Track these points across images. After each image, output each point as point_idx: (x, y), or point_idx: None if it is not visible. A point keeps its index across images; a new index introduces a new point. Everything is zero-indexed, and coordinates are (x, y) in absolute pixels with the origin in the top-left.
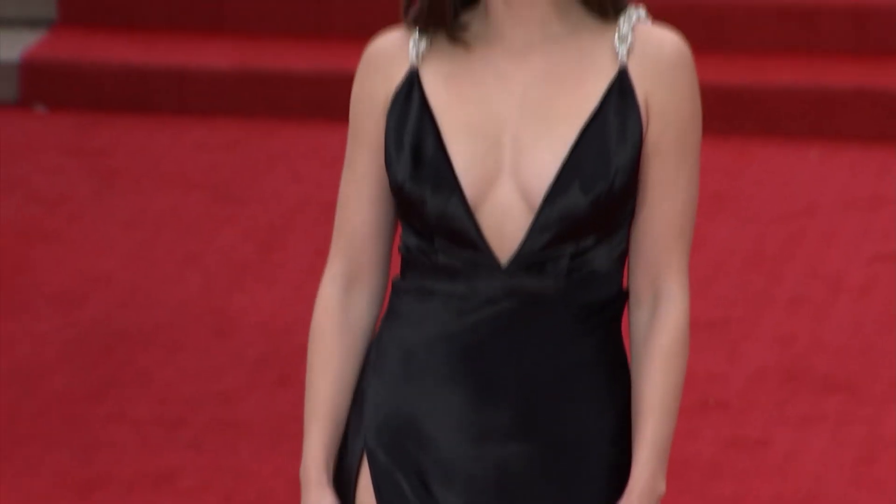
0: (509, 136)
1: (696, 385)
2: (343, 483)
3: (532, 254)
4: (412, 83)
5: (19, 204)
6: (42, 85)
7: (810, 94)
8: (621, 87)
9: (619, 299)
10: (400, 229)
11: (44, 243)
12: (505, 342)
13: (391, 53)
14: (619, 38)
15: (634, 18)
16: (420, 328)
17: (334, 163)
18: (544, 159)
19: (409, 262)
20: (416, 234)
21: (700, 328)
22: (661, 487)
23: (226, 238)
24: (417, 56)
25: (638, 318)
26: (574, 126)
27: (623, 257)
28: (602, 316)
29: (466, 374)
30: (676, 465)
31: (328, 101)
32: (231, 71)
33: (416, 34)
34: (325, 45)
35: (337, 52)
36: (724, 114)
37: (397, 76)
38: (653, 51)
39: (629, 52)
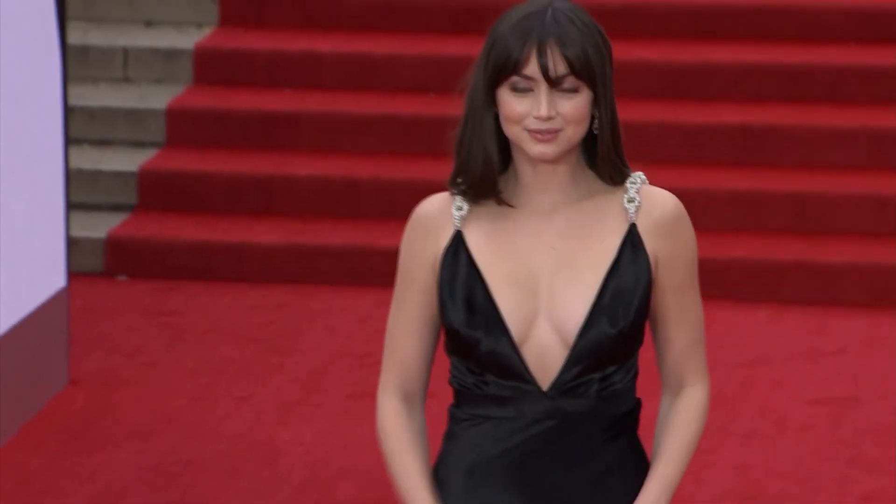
0: (544, 285)
1: None
2: None
3: (568, 381)
4: (458, 244)
5: (104, 355)
6: (123, 258)
7: (759, 265)
8: (633, 241)
9: (636, 409)
10: (449, 365)
11: (123, 387)
12: (549, 454)
13: (437, 218)
14: (627, 199)
15: (639, 183)
16: (478, 448)
17: (363, 321)
18: (575, 303)
19: (463, 395)
20: (470, 372)
21: None
22: None
23: (273, 382)
24: (460, 220)
25: (665, 400)
26: (597, 274)
27: (636, 377)
28: (624, 424)
29: (518, 482)
30: None
31: (358, 270)
32: (279, 246)
33: (458, 200)
34: (355, 225)
35: (365, 230)
36: None
37: (444, 237)
38: (657, 210)
39: (637, 211)
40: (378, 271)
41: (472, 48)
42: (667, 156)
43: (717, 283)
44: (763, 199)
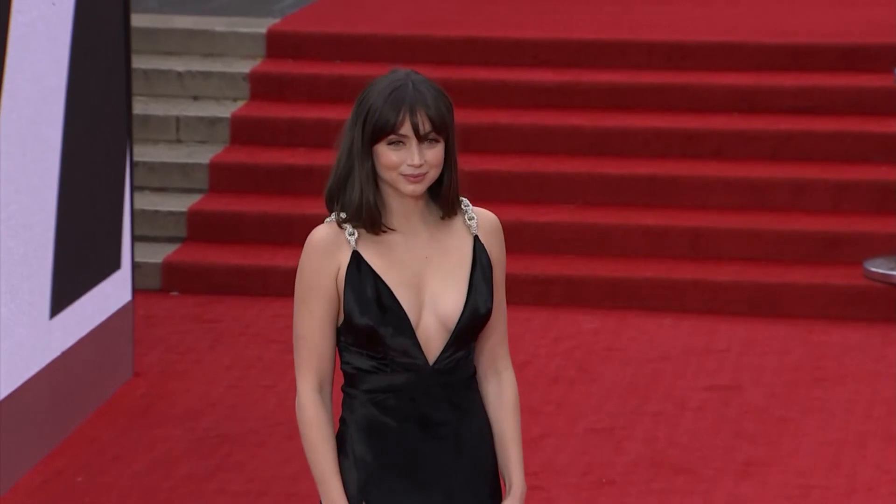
0: (426, 285)
1: (594, 469)
2: None
3: (446, 357)
4: (358, 260)
5: (161, 353)
6: (176, 278)
7: (664, 283)
8: (479, 248)
9: (475, 372)
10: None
11: (176, 378)
12: (437, 405)
13: (333, 242)
14: (468, 218)
15: (470, 206)
16: (378, 413)
17: None
18: (453, 298)
19: (358, 377)
20: (370, 358)
21: (595, 432)
22: (525, 486)
23: (291, 375)
24: (354, 243)
25: (487, 387)
26: (463, 274)
27: (472, 353)
28: (472, 381)
29: (419, 428)
30: None
31: None
32: (296, 269)
33: (349, 228)
34: None
35: None
36: (606, 298)
37: (343, 256)
38: (486, 223)
39: (477, 226)
40: None
41: None
42: (592, 199)
43: (631, 297)
44: (667, 232)
